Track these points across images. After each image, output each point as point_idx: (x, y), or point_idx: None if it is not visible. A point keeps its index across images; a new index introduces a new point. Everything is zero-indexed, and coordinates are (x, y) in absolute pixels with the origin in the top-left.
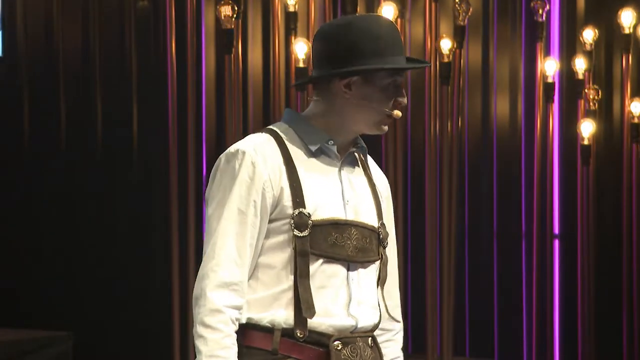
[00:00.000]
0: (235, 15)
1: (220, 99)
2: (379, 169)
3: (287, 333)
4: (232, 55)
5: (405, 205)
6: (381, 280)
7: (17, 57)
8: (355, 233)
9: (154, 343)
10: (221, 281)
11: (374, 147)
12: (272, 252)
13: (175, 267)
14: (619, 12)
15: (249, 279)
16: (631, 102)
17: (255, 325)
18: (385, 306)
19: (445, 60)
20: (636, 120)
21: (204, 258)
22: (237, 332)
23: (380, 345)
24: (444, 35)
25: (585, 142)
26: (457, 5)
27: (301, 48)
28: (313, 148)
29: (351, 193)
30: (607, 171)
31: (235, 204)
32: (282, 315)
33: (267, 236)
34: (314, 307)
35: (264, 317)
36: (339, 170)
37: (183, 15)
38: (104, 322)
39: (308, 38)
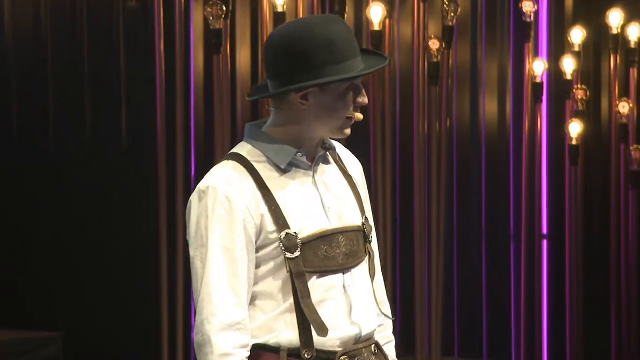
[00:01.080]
0: (223, 15)
1: (209, 99)
2: (349, 154)
3: (293, 353)
4: (221, 56)
5: (394, 205)
6: (371, 276)
7: (4, 55)
8: (342, 240)
9: (144, 344)
10: (224, 323)
11: (363, 148)
12: (265, 279)
13: (164, 269)
14: (607, 13)
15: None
16: (619, 102)
17: (262, 346)
18: (377, 301)
19: (434, 60)
20: (624, 120)
21: (199, 303)
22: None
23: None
24: (433, 36)
25: (573, 142)
26: (445, 6)
27: None
28: (282, 165)
29: (330, 198)
30: (595, 171)
31: (219, 242)
32: (286, 336)
33: (257, 265)
34: (325, 326)
35: (269, 338)
36: (313, 179)
37: (171, 15)
38: (93, 324)
39: None
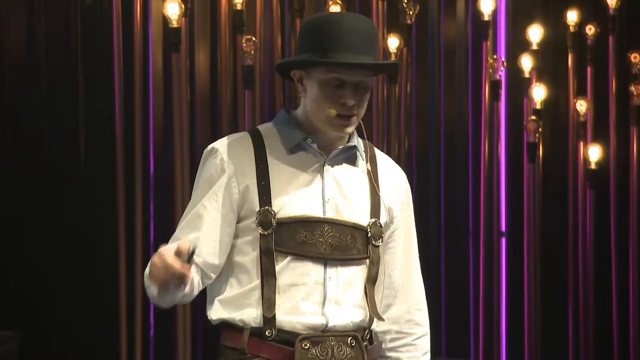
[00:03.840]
0: (182, 14)
1: (168, 98)
2: (393, 166)
3: (256, 332)
4: (179, 54)
5: None
6: (369, 280)
7: None
8: (329, 230)
9: (102, 343)
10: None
11: None
12: (242, 251)
13: (122, 267)
14: (565, 11)
15: (222, 277)
16: (576, 100)
17: (229, 324)
18: (373, 307)
19: (393, 59)
20: (582, 119)
21: None
22: (216, 331)
23: (398, 350)
24: (391, 34)
25: (531, 140)
26: (404, 4)
27: (248, 46)
28: (289, 146)
29: (335, 191)
30: (553, 169)
31: (199, 197)
32: (251, 314)
33: (237, 235)
34: (274, 306)
35: (235, 316)
36: (322, 169)
37: (130, 13)
38: (51, 322)
39: (255, 36)
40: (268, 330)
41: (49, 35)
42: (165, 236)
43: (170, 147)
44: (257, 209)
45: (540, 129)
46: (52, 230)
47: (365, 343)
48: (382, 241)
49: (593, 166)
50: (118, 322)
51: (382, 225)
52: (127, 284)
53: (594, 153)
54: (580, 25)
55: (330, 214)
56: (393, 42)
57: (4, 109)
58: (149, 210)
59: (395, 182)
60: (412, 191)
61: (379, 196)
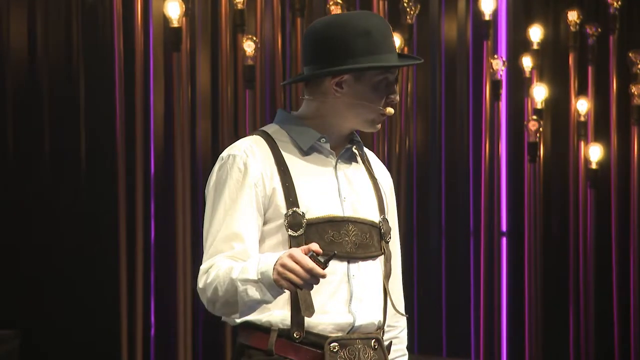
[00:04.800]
0: (183, 14)
1: (169, 97)
2: (380, 163)
3: (284, 334)
4: (180, 53)
5: None
6: (386, 275)
7: None
8: (353, 229)
9: (103, 342)
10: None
11: None
12: (269, 252)
13: (123, 266)
14: (566, 11)
15: None
16: (577, 100)
17: (254, 324)
18: (392, 301)
19: None
20: (582, 119)
21: (204, 248)
22: (238, 331)
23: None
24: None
25: (532, 140)
26: (405, 4)
27: (249, 46)
28: (305, 147)
29: (348, 189)
30: (554, 168)
31: (228, 195)
32: (279, 315)
33: (263, 238)
34: (312, 306)
35: (262, 317)
36: (335, 168)
37: (131, 13)
38: (52, 321)
39: (255, 36)
40: (297, 332)
41: (49, 34)
42: (165, 235)
43: (171, 147)
44: (285, 211)
45: (541, 129)
46: (52, 229)
47: (385, 343)
48: (390, 238)
49: (594, 166)
50: (119, 321)
51: (389, 221)
52: (127, 283)
53: (595, 153)
54: (581, 24)
55: (349, 213)
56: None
57: (5, 108)
58: (150, 209)
59: (384, 178)
60: (412, 191)
61: (381, 192)
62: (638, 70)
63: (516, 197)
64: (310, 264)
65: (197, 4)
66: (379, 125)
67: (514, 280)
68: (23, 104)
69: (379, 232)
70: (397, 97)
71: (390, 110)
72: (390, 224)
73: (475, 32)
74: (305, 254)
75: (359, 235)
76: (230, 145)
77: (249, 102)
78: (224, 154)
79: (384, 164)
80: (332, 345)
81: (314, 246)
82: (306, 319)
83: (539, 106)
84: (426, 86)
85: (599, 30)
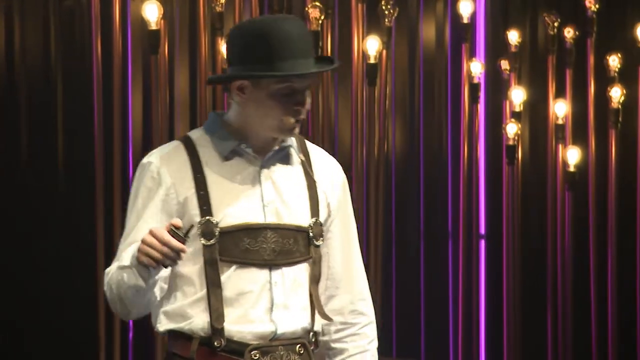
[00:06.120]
0: (161, 16)
1: (147, 100)
2: (328, 159)
3: (205, 342)
4: (159, 56)
5: None
6: (313, 280)
7: None
8: (272, 236)
9: (82, 344)
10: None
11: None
12: (186, 263)
13: (101, 271)
14: (544, 14)
15: (166, 290)
16: (555, 102)
17: (179, 332)
18: (319, 307)
19: (372, 61)
20: (560, 122)
21: None
22: (165, 337)
23: (343, 340)
24: (370, 36)
25: (511, 143)
26: (383, 7)
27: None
28: (224, 153)
29: (273, 195)
30: (533, 171)
31: (137, 210)
32: (199, 324)
33: None
34: (223, 316)
35: (183, 325)
36: (259, 173)
37: (109, 15)
38: (25, 328)
39: None
40: (217, 341)
41: (26, 37)
42: None
43: (149, 149)
44: (198, 219)
45: (519, 132)
46: (30, 234)
47: (312, 347)
48: (322, 240)
49: (572, 169)
50: (97, 323)
51: (323, 223)
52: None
53: (573, 155)
54: (559, 27)
55: (271, 219)
56: (372, 44)
57: None
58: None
59: (330, 174)
60: (391, 193)
61: (317, 192)
62: (615, 73)
63: (494, 199)
64: (167, 237)
65: (175, 7)
66: (290, 132)
67: (492, 282)
68: (0, 106)
69: (306, 236)
70: (302, 107)
71: (289, 120)
72: (340, 219)
73: (453, 35)
74: (168, 231)
75: (280, 242)
76: (150, 152)
77: (227, 105)
78: (143, 160)
79: (362, 167)
80: (252, 353)
81: (174, 220)
82: (226, 328)
83: (517, 109)
84: (404, 89)
85: (577, 33)
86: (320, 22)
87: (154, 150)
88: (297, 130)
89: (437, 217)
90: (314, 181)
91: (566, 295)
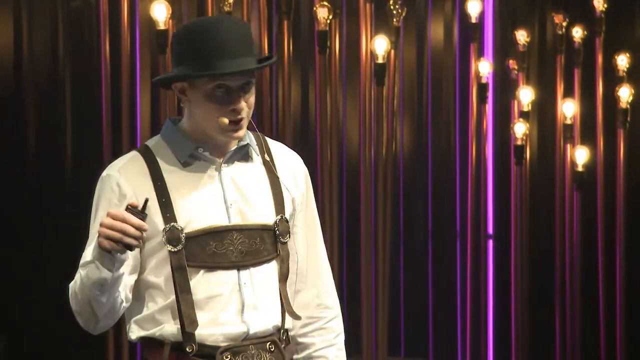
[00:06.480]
0: (170, 16)
1: (155, 100)
2: (289, 153)
3: (177, 347)
4: (167, 56)
5: (341, 204)
6: (281, 277)
7: None
8: (238, 237)
9: (90, 347)
10: None
11: (308, 144)
12: (154, 271)
13: None
14: (552, 13)
15: (136, 299)
16: (563, 102)
17: (152, 339)
18: (288, 305)
19: (380, 61)
20: (569, 121)
21: None
22: (138, 345)
23: (310, 335)
24: (378, 36)
25: (519, 143)
26: (391, 6)
27: None
28: (182, 159)
29: (236, 195)
30: (541, 171)
31: (98, 224)
32: (169, 330)
33: (149, 256)
34: (196, 321)
35: (155, 331)
36: (219, 174)
37: (118, 15)
38: (36, 326)
39: None
40: (189, 346)
41: (34, 36)
42: None
43: None
44: (162, 227)
45: (527, 132)
46: (33, 233)
47: (283, 345)
48: (289, 236)
49: (580, 168)
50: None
51: (288, 219)
52: None
53: (581, 155)
54: (568, 27)
55: (236, 219)
56: (381, 44)
57: None
58: None
59: (292, 168)
60: (399, 193)
61: (280, 189)
62: (624, 73)
63: (503, 199)
64: (126, 214)
65: (183, 6)
66: (233, 133)
67: (500, 282)
68: (8, 106)
69: (272, 234)
70: (238, 107)
71: (223, 120)
72: (302, 215)
73: (461, 34)
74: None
75: (246, 243)
76: (110, 164)
77: None
78: (103, 173)
79: (371, 167)
80: (224, 354)
81: (131, 201)
82: (198, 332)
83: (525, 109)
84: (413, 89)
85: (585, 33)
86: (328, 21)
87: (112, 163)
88: (240, 132)
89: (445, 217)
90: (277, 177)
91: (574, 295)
